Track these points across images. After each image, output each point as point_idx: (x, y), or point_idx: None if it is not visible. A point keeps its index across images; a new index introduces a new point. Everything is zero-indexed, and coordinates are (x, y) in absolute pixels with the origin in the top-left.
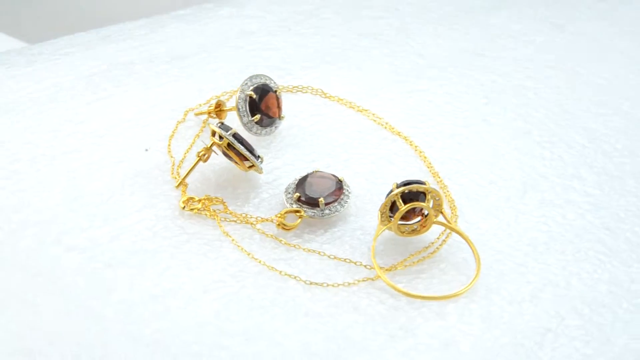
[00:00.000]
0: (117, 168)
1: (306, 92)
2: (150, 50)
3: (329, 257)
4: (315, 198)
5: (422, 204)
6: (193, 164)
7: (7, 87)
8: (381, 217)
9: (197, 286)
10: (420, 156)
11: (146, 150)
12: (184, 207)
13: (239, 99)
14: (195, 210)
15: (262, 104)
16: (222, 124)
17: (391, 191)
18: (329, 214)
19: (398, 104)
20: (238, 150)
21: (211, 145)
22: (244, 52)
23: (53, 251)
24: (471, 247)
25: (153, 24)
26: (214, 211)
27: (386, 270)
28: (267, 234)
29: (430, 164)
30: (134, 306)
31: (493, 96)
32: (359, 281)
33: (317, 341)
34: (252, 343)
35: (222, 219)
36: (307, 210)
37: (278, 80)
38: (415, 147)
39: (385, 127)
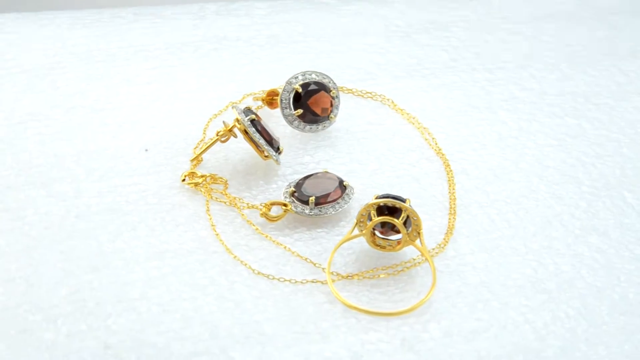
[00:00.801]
0: (147, 131)
1: (376, 99)
2: (256, 29)
3: (292, 253)
4: (306, 196)
5: (394, 219)
6: (210, 143)
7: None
8: (356, 224)
9: (146, 252)
10: (449, 181)
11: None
12: (183, 180)
13: (283, 91)
14: (193, 184)
15: (309, 100)
16: (248, 109)
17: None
18: (316, 214)
19: (460, 128)
20: (252, 138)
21: (232, 127)
22: (346, 49)
23: (35, 193)
24: (432, 274)
25: (279, 6)
26: (210, 189)
27: (342, 277)
28: (248, 221)
29: (454, 189)
30: (76, 255)
31: (556, 142)
32: (307, 281)
33: (227, 325)
34: (166, 312)
35: (215, 199)
36: (297, 206)
37: (358, 83)
38: (450, 170)
39: (432, 147)
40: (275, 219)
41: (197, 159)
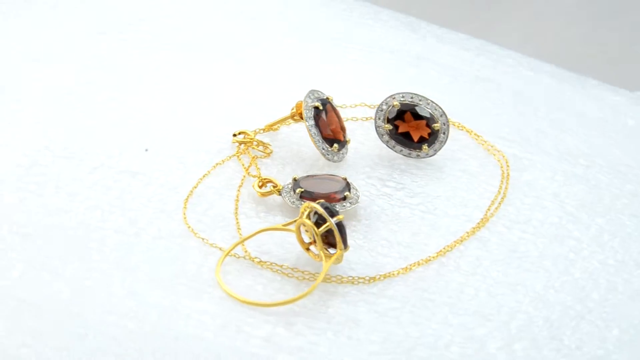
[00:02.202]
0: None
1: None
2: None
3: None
4: (311, 193)
5: (314, 227)
6: (283, 118)
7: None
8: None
9: (127, 223)
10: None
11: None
12: (235, 135)
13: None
14: (240, 142)
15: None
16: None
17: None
18: (296, 206)
19: None
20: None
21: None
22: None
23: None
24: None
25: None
26: (254, 157)
27: (252, 259)
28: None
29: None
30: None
31: None
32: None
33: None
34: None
35: (250, 174)
36: (286, 192)
37: None
38: None
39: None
40: (263, 194)
41: (270, 128)
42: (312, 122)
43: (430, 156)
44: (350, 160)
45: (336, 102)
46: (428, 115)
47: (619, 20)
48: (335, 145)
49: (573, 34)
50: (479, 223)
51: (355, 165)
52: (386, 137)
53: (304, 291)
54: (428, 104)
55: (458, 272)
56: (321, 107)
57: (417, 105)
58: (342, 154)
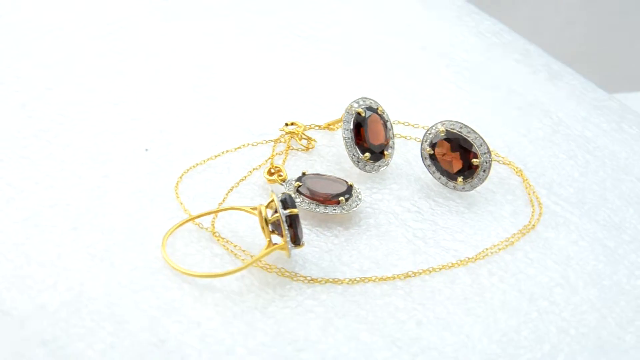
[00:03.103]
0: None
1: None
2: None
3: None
4: (315, 193)
5: (261, 211)
6: (336, 120)
7: None
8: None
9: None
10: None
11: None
12: (286, 125)
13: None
14: (286, 131)
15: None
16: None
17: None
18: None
19: None
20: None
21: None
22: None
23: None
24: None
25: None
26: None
27: (213, 233)
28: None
29: None
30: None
31: None
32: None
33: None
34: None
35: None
36: (289, 184)
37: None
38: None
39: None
40: (270, 181)
41: (327, 127)
42: (348, 126)
43: (466, 190)
44: (387, 174)
45: (395, 116)
46: (471, 149)
47: None
48: (367, 154)
49: None
50: (458, 262)
51: (386, 178)
52: (428, 161)
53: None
54: (476, 137)
55: (403, 298)
56: (364, 115)
57: (463, 136)
58: (377, 165)
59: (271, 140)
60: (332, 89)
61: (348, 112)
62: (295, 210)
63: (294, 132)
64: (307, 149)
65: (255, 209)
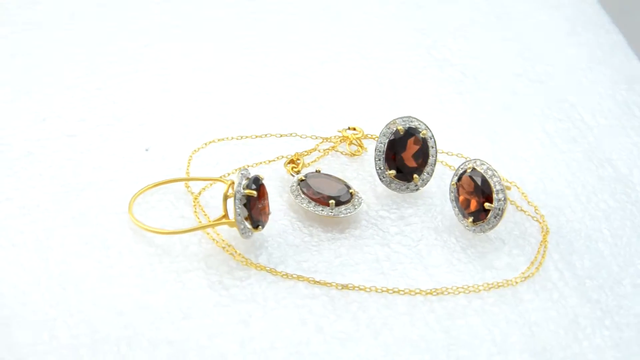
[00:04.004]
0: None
1: None
2: None
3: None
4: (319, 194)
5: (222, 180)
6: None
7: None
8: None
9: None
10: None
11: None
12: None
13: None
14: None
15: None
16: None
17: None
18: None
19: None
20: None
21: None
22: None
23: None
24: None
25: None
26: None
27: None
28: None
29: None
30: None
31: None
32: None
33: None
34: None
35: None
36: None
37: None
38: None
39: None
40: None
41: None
42: (384, 139)
43: (475, 232)
44: (415, 195)
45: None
46: (489, 192)
47: None
48: (393, 171)
49: None
50: (405, 289)
51: (408, 200)
52: (453, 195)
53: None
54: (497, 181)
55: (323, 305)
56: (403, 134)
57: (486, 178)
58: (403, 185)
59: (320, 137)
60: (411, 106)
61: (388, 127)
62: (253, 193)
63: (346, 137)
64: (353, 155)
65: (225, 182)
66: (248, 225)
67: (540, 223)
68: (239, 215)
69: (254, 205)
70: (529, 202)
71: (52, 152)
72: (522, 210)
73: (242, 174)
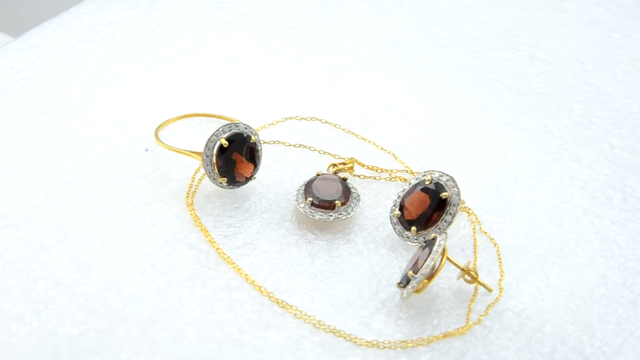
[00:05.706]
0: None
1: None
2: None
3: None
4: (321, 199)
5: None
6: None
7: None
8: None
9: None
10: None
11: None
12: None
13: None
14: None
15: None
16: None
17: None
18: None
19: None
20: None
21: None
22: None
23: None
24: None
25: None
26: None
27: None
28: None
29: None
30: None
31: None
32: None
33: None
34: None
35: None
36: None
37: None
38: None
39: None
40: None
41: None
42: (405, 186)
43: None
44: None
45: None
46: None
47: None
48: (399, 212)
49: None
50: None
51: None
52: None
53: None
54: (456, 194)
55: (259, 313)
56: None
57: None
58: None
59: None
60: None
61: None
62: (225, 142)
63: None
64: (351, 170)
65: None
66: (215, 170)
67: None
68: (207, 156)
69: (229, 157)
70: None
71: None
72: None
73: (229, 126)
